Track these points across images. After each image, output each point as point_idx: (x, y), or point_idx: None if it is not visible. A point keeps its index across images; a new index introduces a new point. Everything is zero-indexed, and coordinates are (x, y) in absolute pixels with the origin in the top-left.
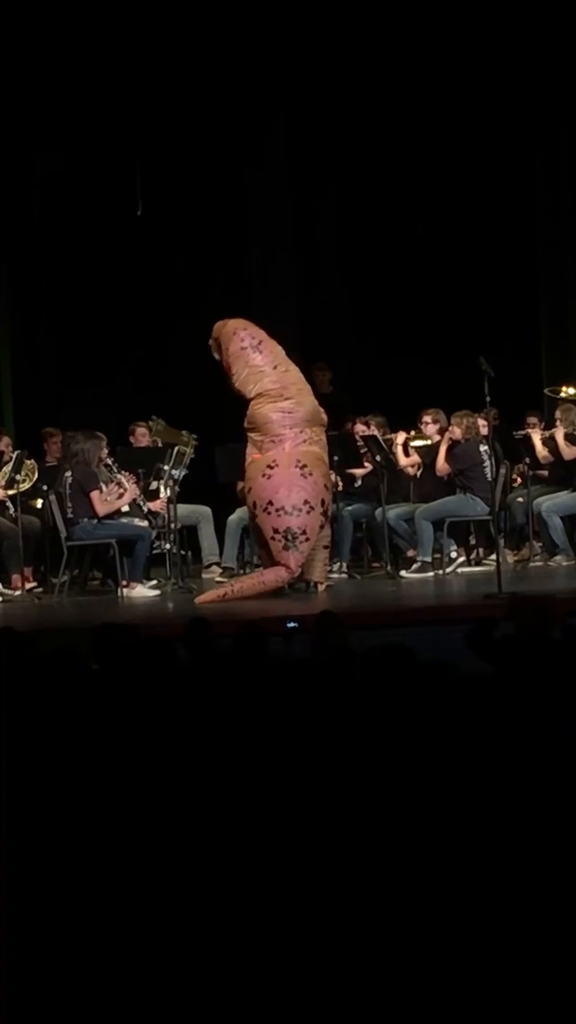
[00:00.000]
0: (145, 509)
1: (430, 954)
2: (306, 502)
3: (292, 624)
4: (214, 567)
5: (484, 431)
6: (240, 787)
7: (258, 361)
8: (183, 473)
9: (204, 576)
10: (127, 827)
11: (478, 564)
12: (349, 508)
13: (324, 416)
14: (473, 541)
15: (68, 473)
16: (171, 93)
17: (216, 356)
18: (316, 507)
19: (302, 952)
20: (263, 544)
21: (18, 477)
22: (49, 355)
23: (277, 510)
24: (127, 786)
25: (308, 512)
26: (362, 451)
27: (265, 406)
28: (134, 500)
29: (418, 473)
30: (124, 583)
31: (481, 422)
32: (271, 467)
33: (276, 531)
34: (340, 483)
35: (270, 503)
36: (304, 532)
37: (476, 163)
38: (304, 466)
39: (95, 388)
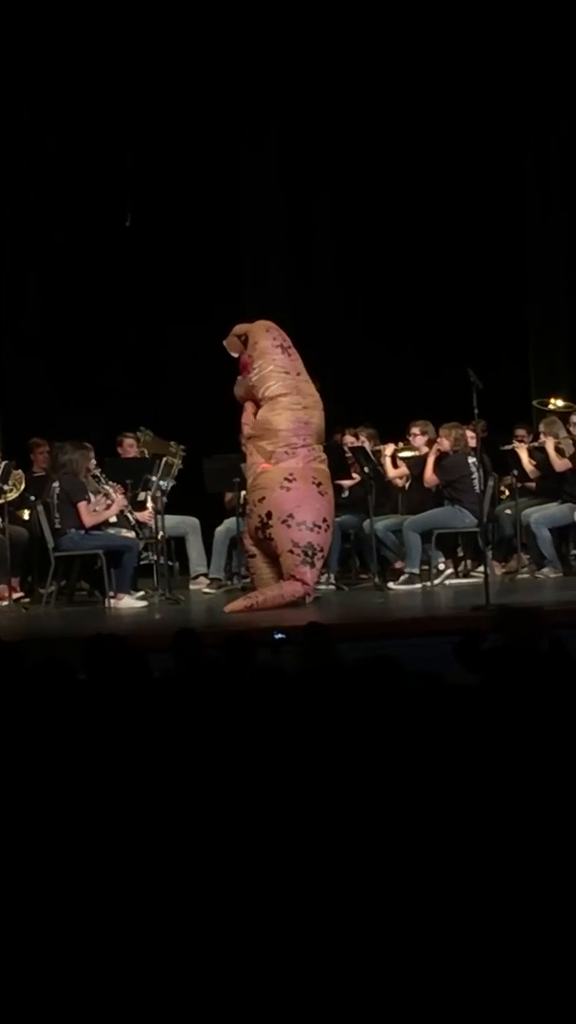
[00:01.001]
0: (133, 520)
1: (414, 964)
2: (324, 520)
3: (279, 635)
4: (201, 578)
5: (472, 443)
6: (229, 797)
7: (284, 363)
8: (171, 484)
9: (191, 587)
10: (116, 836)
11: (466, 576)
12: (337, 519)
13: (324, 434)
14: (461, 553)
15: (56, 484)
16: (161, 99)
17: (233, 354)
18: (330, 525)
19: (289, 965)
20: (273, 556)
21: (5, 487)
22: (37, 365)
23: (299, 524)
24: (116, 795)
25: (325, 530)
26: (350, 462)
27: (282, 413)
28: (122, 511)
29: (406, 485)
30: (111, 594)
31: (469, 434)
32: (290, 480)
33: (296, 544)
34: None
35: (291, 516)
36: (322, 549)
37: (466, 174)
38: (319, 484)
39: (83, 398)
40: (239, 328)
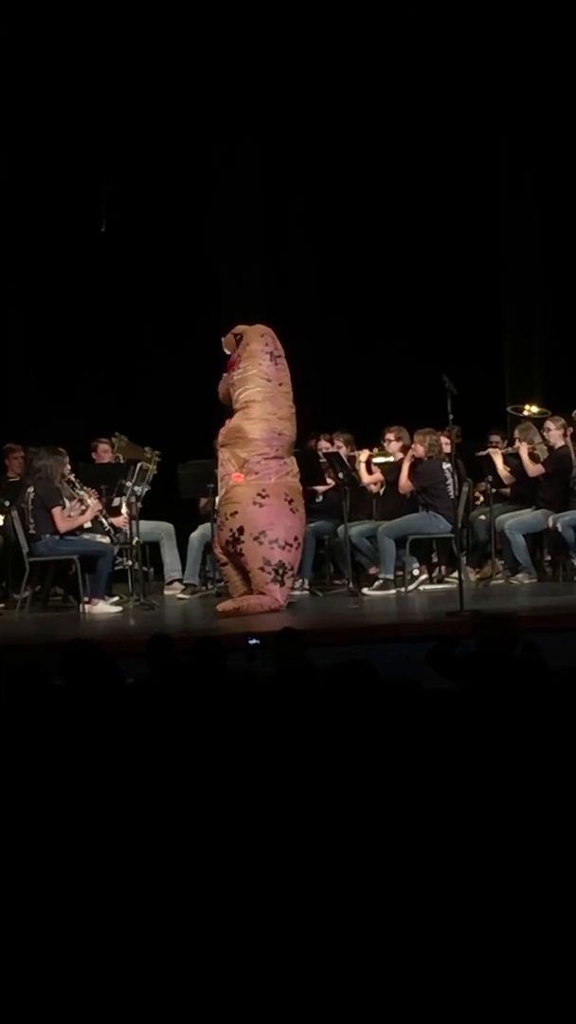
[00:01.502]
0: (107, 525)
1: (384, 966)
2: (296, 538)
3: (254, 641)
4: (176, 584)
5: (447, 449)
6: (201, 801)
7: (269, 371)
8: (145, 489)
9: (166, 593)
10: (90, 839)
11: (440, 582)
12: (311, 525)
13: (294, 447)
14: (435, 559)
15: (30, 489)
16: (136, 103)
17: (227, 351)
18: (302, 543)
19: (260, 970)
20: (244, 570)
21: None
22: (12, 371)
23: (271, 542)
24: (90, 799)
25: (296, 548)
26: (324, 468)
27: (256, 422)
28: (96, 516)
29: (381, 491)
30: (86, 599)
31: (444, 440)
32: (263, 496)
33: (268, 562)
34: None
35: (263, 533)
36: (292, 567)
37: (441, 178)
38: (291, 500)
39: (58, 404)
40: (239, 328)
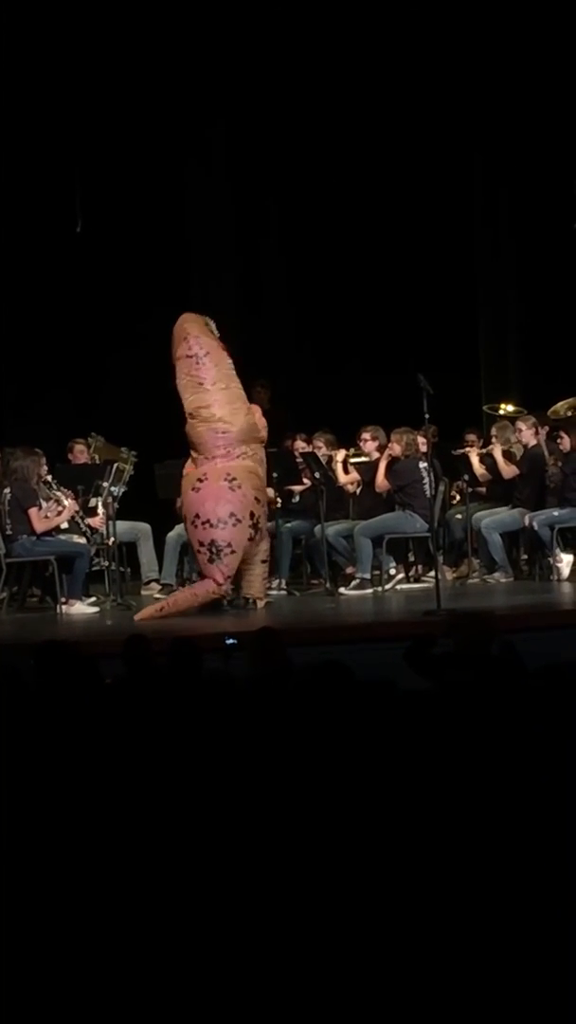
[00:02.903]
0: (84, 526)
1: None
2: (232, 515)
3: (230, 640)
4: (153, 584)
5: (423, 448)
6: (179, 801)
7: (199, 374)
8: (122, 490)
9: (143, 593)
10: (65, 841)
11: (417, 581)
12: (288, 525)
13: (263, 432)
14: (412, 558)
15: (6, 490)
16: (110, 107)
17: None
18: (244, 520)
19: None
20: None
21: None
22: None
23: (204, 523)
24: (65, 800)
25: (235, 525)
26: (301, 468)
27: (199, 426)
28: (73, 517)
29: (357, 490)
30: (63, 600)
31: (420, 439)
32: (200, 480)
33: (202, 544)
34: (279, 500)
35: (197, 516)
36: (229, 545)
37: (415, 179)
38: (233, 479)
39: (32, 405)
40: (175, 327)
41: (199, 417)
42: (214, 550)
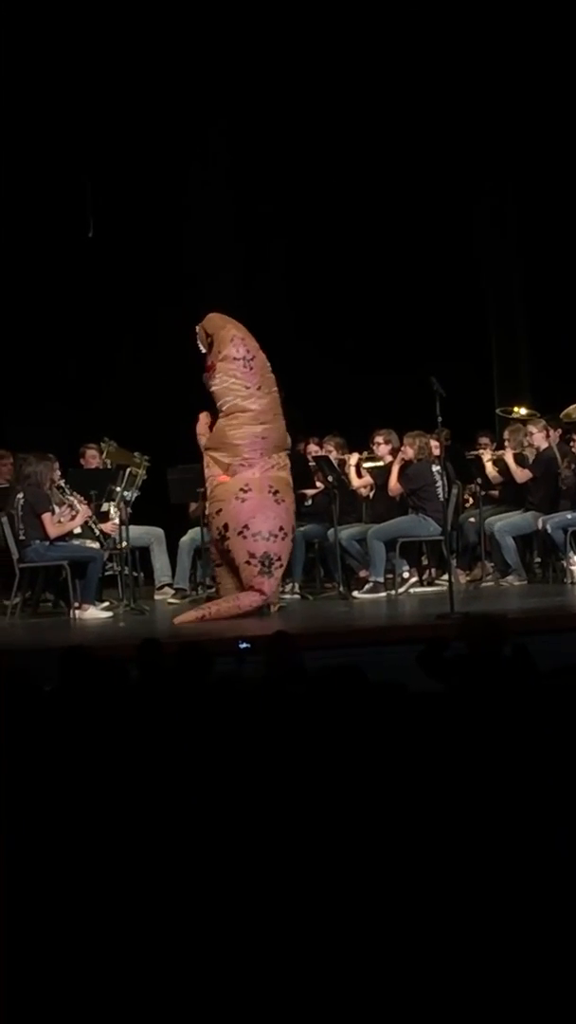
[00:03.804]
0: (97, 531)
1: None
2: (281, 528)
3: (244, 644)
4: (166, 588)
5: (436, 451)
6: (192, 804)
7: (244, 378)
8: (135, 495)
9: (156, 597)
10: (82, 843)
11: (430, 584)
12: (301, 528)
13: (289, 440)
14: (425, 561)
15: (20, 495)
16: (118, 113)
17: (202, 348)
18: (288, 533)
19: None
20: (233, 567)
21: None
22: None
23: (254, 535)
24: (82, 804)
25: (283, 539)
26: (313, 471)
27: (240, 428)
28: (86, 522)
29: (370, 494)
30: (76, 605)
31: (433, 442)
32: (245, 491)
33: (253, 556)
34: None
35: (246, 527)
36: (280, 558)
37: (422, 180)
38: (276, 492)
39: (44, 409)
40: (211, 323)
41: (240, 419)
42: (266, 563)
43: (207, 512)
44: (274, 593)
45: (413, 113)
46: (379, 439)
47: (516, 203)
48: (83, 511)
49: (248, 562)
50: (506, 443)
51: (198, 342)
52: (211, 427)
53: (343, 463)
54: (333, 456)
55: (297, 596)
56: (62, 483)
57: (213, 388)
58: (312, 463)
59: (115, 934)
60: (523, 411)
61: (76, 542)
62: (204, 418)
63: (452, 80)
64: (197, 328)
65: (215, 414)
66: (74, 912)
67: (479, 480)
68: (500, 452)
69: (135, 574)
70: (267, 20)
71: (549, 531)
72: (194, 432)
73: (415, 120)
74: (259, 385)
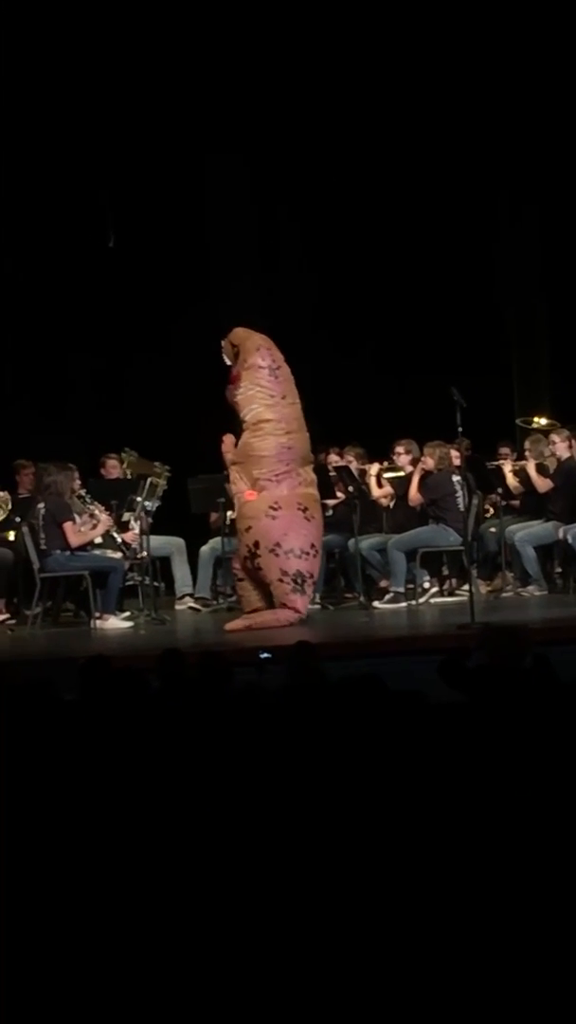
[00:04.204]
0: (118, 540)
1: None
2: (312, 546)
3: (265, 654)
4: (187, 598)
5: (456, 461)
6: (213, 813)
7: (270, 386)
8: (156, 504)
9: (177, 607)
10: (101, 852)
11: (451, 594)
12: (322, 539)
13: (311, 455)
14: (446, 571)
15: (41, 505)
16: (136, 122)
17: (227, 361)
18: (319, 550)
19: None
20: (263, 584)
21: None
22: (18, 386)
23: (286, 552)
24: (102, 813)
25: (314, 556)
26: (334, 481)
27: (266, 439)
28: (107, 531)
29: (391, 504)
30: (97, 615)
31: (453, 452)
32: (275, 508)
33: (286, 573)
34: None
35: (278, 545)
36: (312, 575)
37: (443, 187)
38: (305, 509)
39: (64, 419)
40: (236, 336)
41: (264, 430)
42: (299, 580)
43: (236, 528)
44: (305, 610)
45: (436, 124)
46: (399, 449)
47: (539, 213)
48: (105, 520)
49: (281, 580)
50: (527, 453)
51: (224, 356)
52: (236, 444)
53: (363, 473)
54: (353, 466)
55: (318, 606)
56: (83, 492)
57: (237, 398)
58: (332, 473)
59: (133, 944)
60: (543, 421)
61: (97, 552)
62: (228, 439)
63: (476, 89)
64: (223, 342)
65: (236, 429)
66: (94, 923)
67: (499, 490)
68: (521, 462)
69: (156, 584)
70: (288, 27)
71: (570, 541)
72: (214, 441)
73: (438, 131)
74: (284, 395)
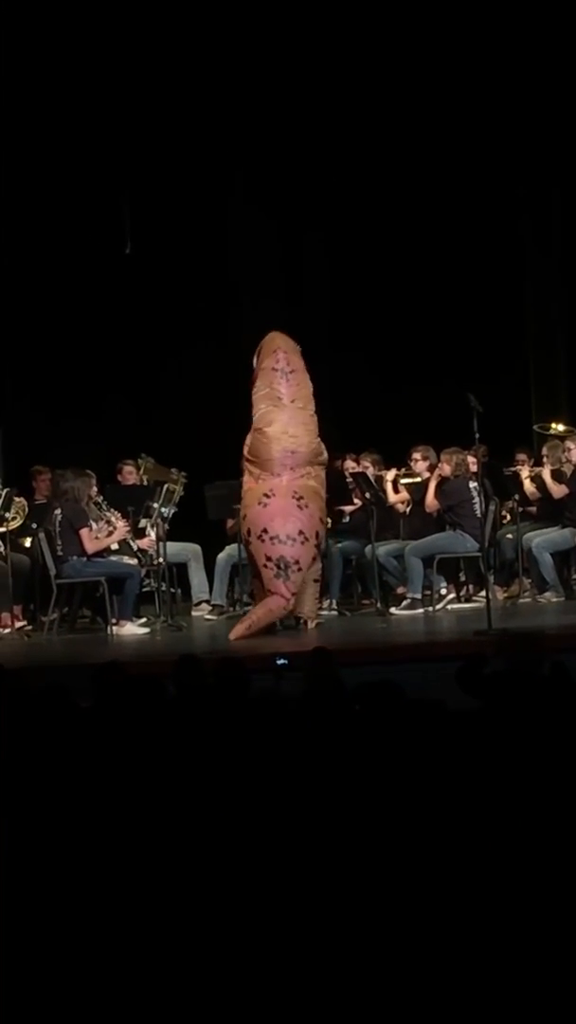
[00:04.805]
0: (135, 547)
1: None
2: (300, 532)
3: (282, 661)
4: (203, 605)
5: (473, 468)
6: (229, 821)
7: (280, 388)
8: (172, 511)
9: (194, 614)
10: (116, 859)
11: (468, 600)
12: (339, 545)
13: (325, 455)
14: (463, 578)
15: (58, 511)
16: (158, 129)
17: (255, 363)
18: (310, 538)
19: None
20: (256, 573)
21: (8, 515)
22: (37, 392)
23: (272, 538)
24: (117, 820)
25: (302, 543)
26: (351, 488)
27: (269, 443)
28: (124, 538)
29: (407, 510)
30: (114, 621)
31: (470, 459)
32: (268, 496)
33: (269, 559)
34: (329, 520)
35: (264, 531)
36: (297, 562)
37: (464, 194)
38: (300, 497)
39: (82, 425)
40: (267, 338)
41: (270, 433)
42: (282, 566)
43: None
44: (312, 606)
45: (457, 132)
46: (416, 455)
47: (560, 221)
48: (121, 527)
49: (266, 565)
50: (544, 459)
51: (255, 357)
52: None
53: (380, 479)
54: (370, 472)
55: (335, 612)
56: (99, 499)
57: (253, 398)
58: (349, 479)
59: (151, 949)
60: (561, 427)
61: (114, 558)
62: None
63: (497, 97)
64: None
65: None
66: (112, 929)
67: (516, 496)
68: (538, 468)
69: (172, 590)
70: (316, 44)
71: None
72: (231, 448)
73: (459, 139)
74: (293, 398)
